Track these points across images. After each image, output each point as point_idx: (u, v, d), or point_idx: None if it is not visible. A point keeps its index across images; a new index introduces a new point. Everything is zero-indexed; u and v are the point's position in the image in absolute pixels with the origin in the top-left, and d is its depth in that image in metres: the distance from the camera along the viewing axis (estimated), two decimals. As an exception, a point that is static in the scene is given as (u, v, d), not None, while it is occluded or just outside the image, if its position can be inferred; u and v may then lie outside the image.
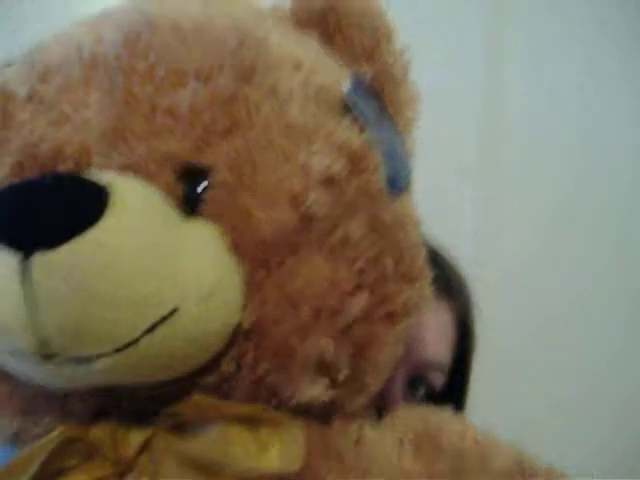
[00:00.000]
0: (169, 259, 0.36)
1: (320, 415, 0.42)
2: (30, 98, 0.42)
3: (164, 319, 0.36)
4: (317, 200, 0.39)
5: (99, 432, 0.40)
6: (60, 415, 0.41)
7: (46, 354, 0.35)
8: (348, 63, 0.46)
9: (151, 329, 0.36)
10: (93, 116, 0.40)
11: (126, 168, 0.39)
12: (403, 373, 0.57)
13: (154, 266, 0.36)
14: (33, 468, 0.39)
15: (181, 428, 0.40)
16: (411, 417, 0.47)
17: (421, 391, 0.60)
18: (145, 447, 0.39)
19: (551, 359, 0.83)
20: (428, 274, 0.45)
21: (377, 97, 0.46)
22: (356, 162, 0.41)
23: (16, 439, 0.43)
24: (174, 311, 0.36)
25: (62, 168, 0.39)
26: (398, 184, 0.44)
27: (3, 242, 0.34)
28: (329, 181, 0.40)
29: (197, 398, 0.39)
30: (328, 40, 0.46)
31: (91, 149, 0.39)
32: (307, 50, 0.44)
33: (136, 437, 0.40)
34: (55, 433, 0.40)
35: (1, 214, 0.35)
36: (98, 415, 0.41)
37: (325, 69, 0.44)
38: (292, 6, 0.47)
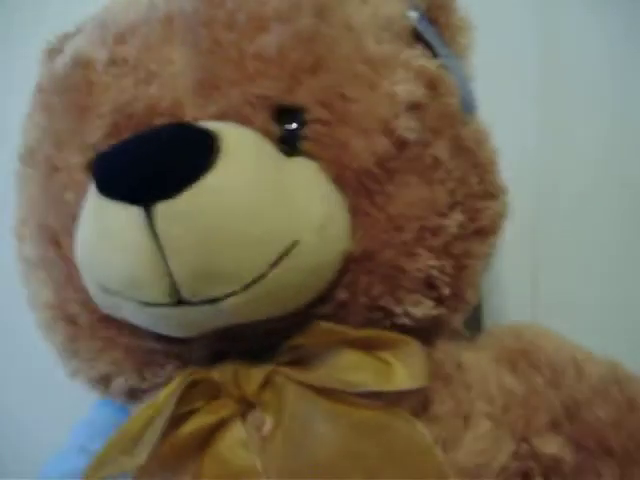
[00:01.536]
0: (283, 196, 0.38)
1: (425, 336, 0.43)
2: (112, 61, 0.43)
3: (286, 252, 0.37)
4: (407, 125, 0.41)
5: (221, 372, 0.42)
6: (179, 363, 0.43)
7: (177, 301, 0.37)
8: None
9: (275, 263, 0.37)
10: (181, 70, 0.41)
11: (222, 116, 0.40)
12: None
13: (271, 203, 0.37)
14: (168, 410, 0.40)
15: (301, 361, 0.41)
16: (505, 334, 0.48)
17: None
18: (267, 382, 0.41)
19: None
20: (506, 187, 0.47)
21: (434, 25, 0.47)
22: (434, 87, 0.43)
23: (132, 395, 0.45)
24: (295, 244, 0.37)
25: (159, 123, 0.40)
26: (471, 104, 0.46)
27: (124, 198, 0.36)
28: (414, 106, 0.41)
29: (321, 325, 0.40)
30: None
31: (184, 102, 0.41)
32: None
33: (257, 373, 0.41)
34: (181, 377, 0.41)
35: (118, 170, 0.36)
36: (216, 358, 0.43)
37: (387, 1, 0.45)
38: None
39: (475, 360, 0.46)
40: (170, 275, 0.36)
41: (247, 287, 0.37)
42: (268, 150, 0.39)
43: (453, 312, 0.45)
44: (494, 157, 0.46)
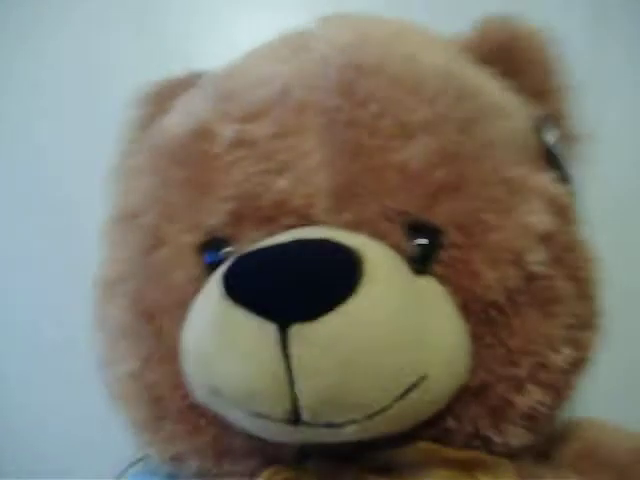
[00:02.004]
0: (418, 327, 0.36)
1: (512, 456, 0.43)
2: (239, 141, 0.41)
3: (414, 386, 0.36)
4: (538, 259, 0.40)
5: (306, 472, 0.40)
6: (262, 458, 0.42)
7: (294, 420, 0.36)
8: (525, 100, 0.46)
9: (402, 396, 0.36)
10: (317, 167, 0.39)
11: (355, 226, 0.38)
12: None
13: (406, 335, 0.36)
14: None
15: (390, 470, 0.40)
16: (567, 437, 0.48)
17: None
18: None
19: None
20: (604, 309, 0.46)
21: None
22: (564, 214, 0.42)
23: (201, 475, 0.44)
24: (423, 378, 0.36)
25: (285, 221, 0.39)
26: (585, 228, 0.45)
27: (261, 312, 0.34)
28: (546, 237, 0.40)
29: (422, 445, 0.40)
30: (506, 75, 0.45)
31: (317, 204, 0.39)
32: (504, 93, 0.44)
33: (345, 476, 0.40)
34: (266, 476, 0.40)
35: (254, 282, 0.35)
36: (302, 455, 0.41)
37: (522, 113, 0.44)
38: (474, 42, 0.47)
39: (545, 473, 0.45)
40: (294, 397, 0.35)
41: (370, 417, 0.36)
42: (405, 274, 0.38)
43: (541, 436, 0.44)
44: (600, 283, 0.45)
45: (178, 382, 0.41)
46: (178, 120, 0.44)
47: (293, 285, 0.34)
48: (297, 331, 0.34)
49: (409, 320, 0.36)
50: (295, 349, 0.34)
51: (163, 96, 0.49)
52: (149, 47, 0.69)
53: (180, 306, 0.40)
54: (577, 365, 0.43)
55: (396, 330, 0.35)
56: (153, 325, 0.42)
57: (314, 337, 0.34)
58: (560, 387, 0.42)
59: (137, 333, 0.43)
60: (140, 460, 0.47)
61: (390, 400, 0.36)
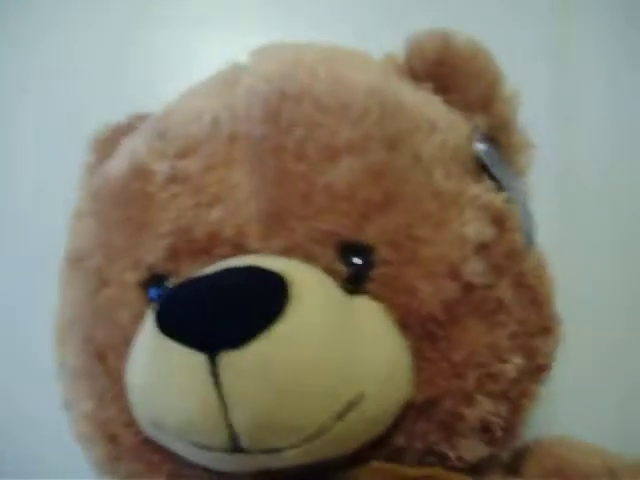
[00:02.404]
0: (350, 346, 0.36)
1: (474, 470, 0.43)
2: (172, 177, 0.42)
3: (351, 405, 0.36)
4: (475, 269, 0.40)
5: None
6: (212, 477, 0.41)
7: (234, 448, 0.36)
8: (462, 112, 0.45)
9: (340, 416, 0.36)
10: (246, 197, 0.40)
11: (286, 250, 0.39)
12: None
13: (338, 355, 0.36)
14: None
15: None
16: (539, 454, 0.48)
17: None
18: None
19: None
20: (561, 318, 0.46)
21: (496, 146, 0.46)
22: (501, 223, 0.42)
23: None
24: (360, 397, 0.36)
25: (219, 252, 0.40)
26: (532, 236, 0.45)
27: (189, 343, 0.34)
28: (482, 247, 0.40)
29: (375, 464, 0.39)
30: (442, 90, 0.46)
31: (248, 232, 0.40)
32: (435, 108, 0.44)
33: None
34: None
35: (182, 314, 0.35)
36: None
37: (454, 126, 0.44)
38: (406, 59, 0.47)
39: None
40: (230, 425, 0.35)
41: (309, 439, 0.36)
42: (334, 294, 0.38)
43: (503, 449, 0.44)
44: (552, 289, 0.45)
45: (130, 419, 0.41)
46: (118, 163, 0.45)
47: (217, 313, 0.34)
48: (226, 359, 0.34)
49: (340, 340, 0.36)
50: (226, 377, 0.34)
51: (107, 142, 0.50)
52: (115, 82, 0.70)
53: (127, 343, 0.40)
54: (531, 373, 0.43)
55: (326, 350, 0.35)
56: (105, 365, 0.43)
57: (243, 364, 0.34)
58: (514, 397, 0.42)
59: (90, 374, 0.44)
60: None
61: (327, 421, 0.36)
